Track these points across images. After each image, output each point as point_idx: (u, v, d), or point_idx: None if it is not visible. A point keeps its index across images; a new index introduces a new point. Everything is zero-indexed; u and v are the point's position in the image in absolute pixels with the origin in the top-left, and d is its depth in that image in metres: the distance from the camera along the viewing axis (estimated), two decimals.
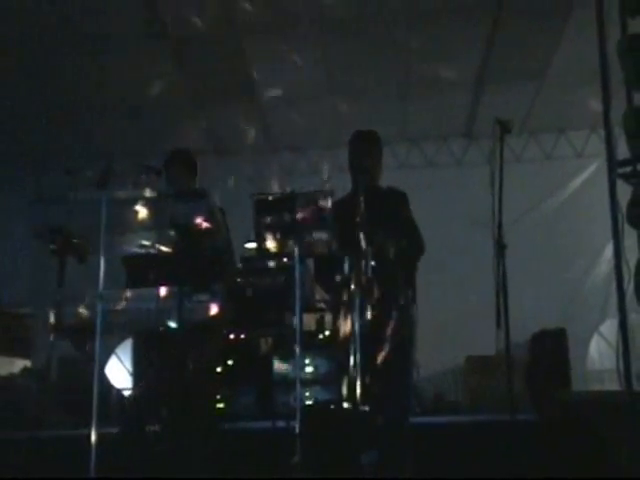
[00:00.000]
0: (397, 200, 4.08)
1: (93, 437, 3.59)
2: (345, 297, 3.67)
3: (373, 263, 3.68)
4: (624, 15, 3.74)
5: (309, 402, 4.62)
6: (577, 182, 7.65)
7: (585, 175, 7.61)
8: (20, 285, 6.64)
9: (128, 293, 4.04)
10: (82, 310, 4.13)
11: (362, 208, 3.72)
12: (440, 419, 4.64)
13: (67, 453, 3.95)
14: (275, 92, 6.88)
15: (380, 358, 3.62)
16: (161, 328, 4.16)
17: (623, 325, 2.99)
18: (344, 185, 4.22)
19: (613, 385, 5.66)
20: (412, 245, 3.97)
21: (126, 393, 5.57)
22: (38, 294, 4.35)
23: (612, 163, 3.38)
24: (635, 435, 2.86)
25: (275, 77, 6.75)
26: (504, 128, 3.87)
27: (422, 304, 4.57)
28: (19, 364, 5.65)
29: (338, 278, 3.78)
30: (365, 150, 4.08)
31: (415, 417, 4.23)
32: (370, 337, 3.54)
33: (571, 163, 7.67)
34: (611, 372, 6.45)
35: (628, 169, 3.45)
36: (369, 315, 3.60)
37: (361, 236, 3.68)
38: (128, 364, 5.83)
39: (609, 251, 7.00)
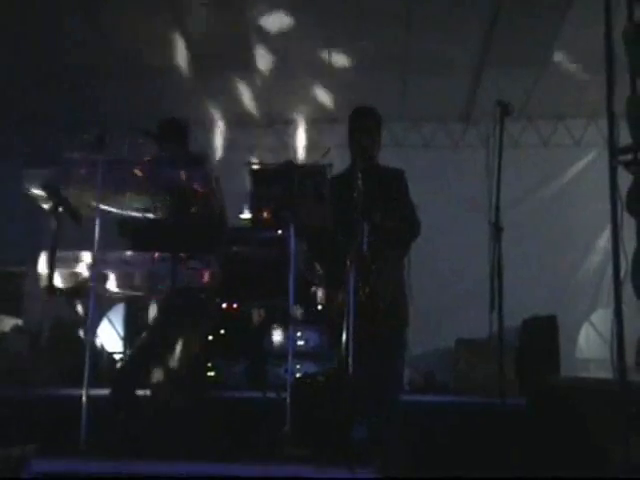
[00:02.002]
0: (394, 178, 4.08)
1: (84, 399, 3.60)
2: (339, 273, 3.67)
3: (368, 239, 3.69)
4: (631, 1, 3.72)
5: (299, 374, 4.65)
6: (574, 170, 7.65)
7: (582, 164, 7.62)
8: (13, 244, 6.60)
9: (122, 257, 4.03)
10: (76, 271, 4.12)
11: (359, 185, 3.72)
12: (429, 398, 4.69)
13: (58, 413, 3.95)
14: (274, 65, 6.82)
15: (373, 335, 3.65)
16: (154, 293, 4.18)
17: (618, 313, 3.02)
18: (342, 160, 4.22)
19: (600, 374, 5.74)
20: (408, 224, 3.97)
21: (117, 356, 5.60)
22: (32, 254, 4.32)
23: (613, 149, 3.38)
24: (624, 423, 2.90)
25: (275, 52, 6.69)
26: (505, 110, 3.87)
27: (416, 285, 4.60)
28: (9, 322, 5.63)
29: (333, 253, 3.78)
30: (364, 127, 4.06)
31: (405, 395, 4.27)
32: (363, 314, 3.56)
33: (569, 151, 7.67)
34: (599, 361, 6.57)
35: (628, 157, 3.45)
36: (362, 293, 3.61)
37: (357, 213, 3.68)
38: (119, 328, 5.85)
39: (602, 241, 7.11)
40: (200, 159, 4.62)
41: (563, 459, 3.17)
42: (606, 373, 3.33)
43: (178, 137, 4.52)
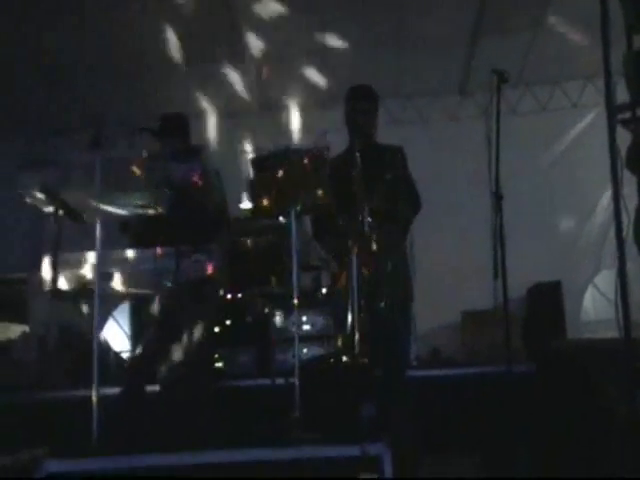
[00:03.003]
0: (394, 156, 4.04)
1: (94, 398, 3.61)
2: (342, 254, 3.66)
3: (370, 219, 3.67)
4: None
5: (307, 358, 4.65)
6: (573, 133, 7.58)
7: (581, 126, 7.53)
8: (14, 250, 6.62)
9: (126, 255, 4.03)
10: (80, 273, 4.13)
11: (358, 164, 3.70)
12: (437, 372, 4.67)
13: (69, 415, 3.97)
14: (266, 49, 6.78)
15: (378, 313, 3.63)
16: (159, 289, 4.18)
17: (622, 272, 2.98)
18: (340, 142, 4.18)
19: (606, 335, 5.71)
20: (409, 201, 3.95)
21: (124, 355, 5.62)
22: (34, 258, 4.33)
23: (611, 108, 3.32)
24: (629, 381, 2.87)
25: (266, 35, 6.65)
26: (501, 78, 3.83)
27: (419, 260, 4.59)
28: (17, 330, 5.65)
29: (335, 235, 3.77)
30: (361, 107, 4.03)
31: (412, 371, 4.26)
32: (368, 293, 3.54)
33: (567, 114, 7.59)
34: (605, 322, 6.53)
35: (627, 115, 3.39)
36: (366, 271, 3.60)
37: (357, 193, 3.66)
38: (126, 327, 5.87)
39: (604, 202, 7.07)
40: (198, 152, 4.61)
41: (571, 420, 3.15)
42: (612, 333, 3.29)
43: (180, 132, 4.51)
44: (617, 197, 3.16)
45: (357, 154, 3.71)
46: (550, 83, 7.64)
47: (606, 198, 6.71)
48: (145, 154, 4.42)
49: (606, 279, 6.86)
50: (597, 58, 3.71)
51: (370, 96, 4.10)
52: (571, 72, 7.43)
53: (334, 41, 6.80)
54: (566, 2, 6.25)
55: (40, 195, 4.04)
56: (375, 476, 2.76)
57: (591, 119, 7.33)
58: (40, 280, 4.40)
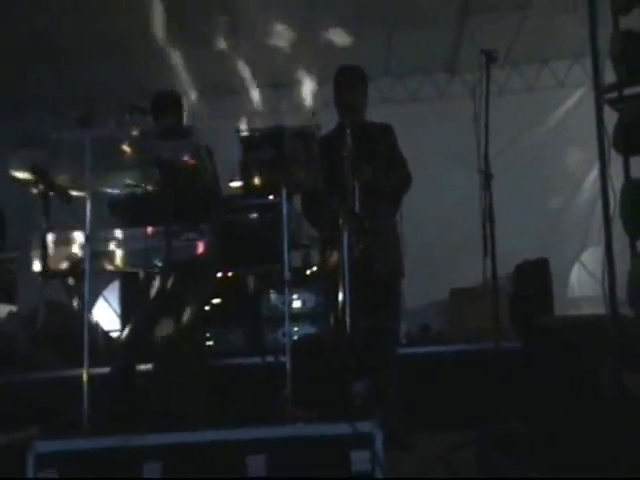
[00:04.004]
0: (383, 133, 4.06)
1: (84, 378, 3.62)
2: (332, 232, 3.68)
3: (359, 197, 3.69)
4: None
5: (297, 337, 4.68)
6: (560, 112, 7.62)
7: (568, 105, 7.59)
8: (2, 229, 6.57)
9: (116, 234, 4.02)
10: (69, 252, 4.12)
11: (348, 143, 3.71)
12: (426, 349, 4.72)
13: (59, 395, 3.98)
14: (257, 27, 6.74)
15: (369, 292, 3.66)
16: (150, 268, 4.18)
17: (609, 249, 3.03)
18: (330, 120, 4.18)
19: (592, 311, 5.78)
20: (399, 178, 3.97)
21: (114, 334, 5.63)
22: (22, 238, 4.31)
23: (599, 87, 3.35)
24: (616, 357, 2.93)
25: (258, 12, 6.60)
26: (489, 57, 3.86)
27: (407, 237, 4.61)
28: (4, 309, 5.62)
29: (325, 213, 3.79)
30: (350, 86, 4.04)
31: (402, 348, 4.30)
32: (358, 271, 3.57)
33: (554, 93, 7.63)
34: (591, 299, 6.62)
35: (614, 95, 3.42)
36: (357, 250, 3.62)
37: (347, 171, 3.68)
38: (116, 306, 5.87)
39: (590, 180, 7.14)
40: (190, 130, 4.58)
41: (558, 395, 3.21)
42: (598, 310, 3.35)
43: (172, 109, 4.48)
44: (604, 176, 3.20)
45: (347, 133, 3.71)
46: (537, 62, 7.66)
47: (592, 176, 6.80)
48: (135, 132, 4.40)
49: (592, 256, 6.96)
50: (583, 38, 3.74)
51: (358, 75, 4.10)
52: (558, 52, 7.46)
53: (324, 19, 6.76)
54: None
55: (30, 175, 4.02)
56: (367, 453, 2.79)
57: (578, 98, 7.39)
58: (29, 259, 4.39)
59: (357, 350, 3.47)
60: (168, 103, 4.47)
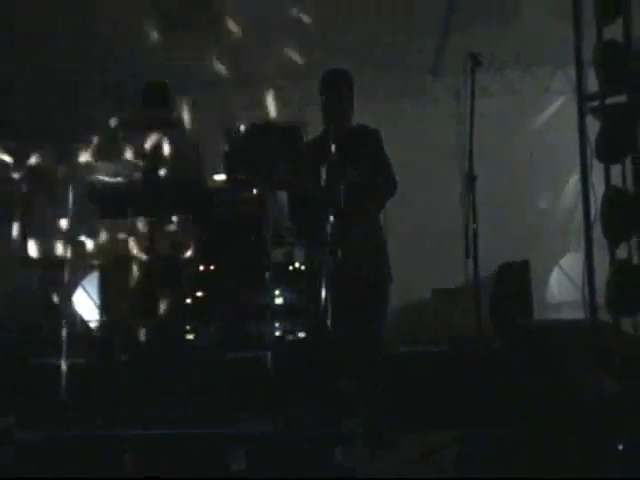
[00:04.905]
0: (370, 138, 4.04)
1: (63, 367, 3.62)
2: (318, 232, 3.68)
3: (345, 199, 3.70)
4: None
5: (278, 333, 4.69)
6: (542, 117, 7.71)
7: (550, 111, 7.68)
8: None
9: (98, 224, 4.02)
10: (50, 240, 4.10)
11: (333, 148, 3.70)
12: (408, 349, 4.76)
13: (37, 384, 3.96)
14: (243, 21, 6.73)
15: (355, 293, 3.68)
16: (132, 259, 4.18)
17: (589, 256, 3.09)
18: (316, 116, 4.18)
19: (571, 317, 5.87)
20: (385, 183, 3.96)
21: (93, 324, 5.60)
22: (2, 226, 4.28)
23: (582, 96, 3.41)
24: (594, 360, 2.99)
25: (243, 6, 6.59)
26: (475, 61, 3.90)
27: (389, 237, 4.64)
28: None
29: (311, 213, 3.78)
30: (338, 93, 3.98)
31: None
32: (344, 272, 3.58)
33: (537, 99, 7.72)
34: (569, 304, 6.72)
35: (596, 103, 3.48)
36: (342, 252, 3.62)
37: (332, 174, 3.68)
38: (95, 296, 5.84)
39: (571, 186, 7.24)
40: (174, 121, 4.57)
41: (536, 397, 3.26)
42: (576, 314, 3.41)
43: (161, 101, 4.45)
44: (586, 184, 3.25)
45: (332, 138, 3.70)
46: (521, 68, 7.74)
47: (573, 182, 6.90)
48: (117, 121, 4.39)
49: (572, 261, 7.06)
50: (567, 46, 3.79)
51: (344, 80, 4.04)
52: (541, 58, 7.53)
53: (309, 17, 6.77)
54: None
55: (10, 159, 3.99)
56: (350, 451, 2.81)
57: (560, 105, 7.48)
58: (9, 246, 4.36)
59: (340, 349, 3.49)
60: (155, 94, 4.45)
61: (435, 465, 3.06)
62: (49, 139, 4.19)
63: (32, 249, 3.99)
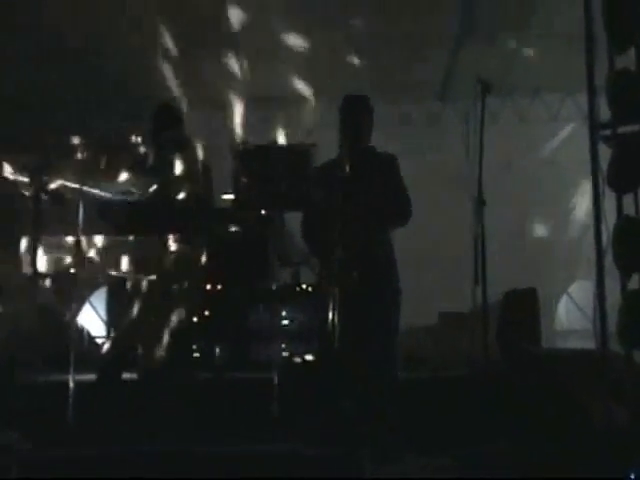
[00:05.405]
0: (386, 163, 4.05)
1: (70, 384, 3.61)
2: (329, 253, 3.68)
3: (357, 221, 3.71)
4: None
5: (286, 354, 4.68)
6: (551, 145, 7.72)
7: (559, 138, 7.69)
8: None
9: (106, 241, 4.03)
10: (59, 256, 4.11)
11: (349, 172, 3.71)
12: (413, 374, 4.73)
13: (44, 400, 3.94)
14: (253, 43, 6.79)
15: (367, 314, 3.67)
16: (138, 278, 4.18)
17: (600, 286, 3.08)
18: (327, 138, 4.20)
19: (579, 346, 5.84)
20: (399, 207, 3.97)
21: (100, 341, 5.59)
22: (11, 240, 4.29)
23: (594, 125, 3.42)
24: (605, 392, 2.97)
25: (253, 25, 6.65)
26: (485, 87, 3.92)
27: (398, 261, 4.64)
28: None
29: (323, 234, 3.79)
30: (356, 117, 4.01)
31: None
32: (355, 293, 3.57)
33: (546, 125, 7.74)
34: (578, 332, 6.69)
35: (607, 132, 3.48)
36: (354, 274, 3.62)
37: (346, 198, 3.69)
38: (102, 312, 5.84)
39: (580, 213, 7.24)
40: (183, 142, 4.59)
41: (546, 427, 3.24)
42: (586, 344, 3.39)
43: (172, 122, 4.48)
44: (598, 213, 3.25)
45: (347, 163, 3.72)
46: (530, 94, 7.77)
47: (582, 208, 6.89)
48: (131, 141, 4.42)
49: (580, 289, 7.03)
50: (576, 73, 3.81)
51: (364, 107, 4.07)
52: (551, 85, 7.56)
53: (318, 41, 6.83)
54: (549, 17, 6.35)
55: (23, 178, 4.02)
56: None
57: (569, 132, 7.49)
58: (18, 261, 4.37)
59: (349, 370, 3.48)
60: (167, 116, 4.47)
61: None
62: (60, 155, 4.21)
63: (42, 264, 3.99)
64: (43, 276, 4.45)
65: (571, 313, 7.12)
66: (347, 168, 3.63)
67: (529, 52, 6.92)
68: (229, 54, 6.91)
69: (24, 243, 4.29)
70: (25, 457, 3.17)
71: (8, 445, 3.31)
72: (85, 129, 4.26)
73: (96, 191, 4.25)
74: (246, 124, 7.50)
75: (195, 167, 4.30)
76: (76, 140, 4.09)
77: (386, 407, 3.54)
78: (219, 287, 4.76)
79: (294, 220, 4.49)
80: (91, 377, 4.05)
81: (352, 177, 3.66)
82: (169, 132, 4.33)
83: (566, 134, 7.62)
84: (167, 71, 6.91)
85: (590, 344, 3.30)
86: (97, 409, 3.78)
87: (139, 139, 4.34)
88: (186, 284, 4.31)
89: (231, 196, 5.23)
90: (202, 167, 4.37)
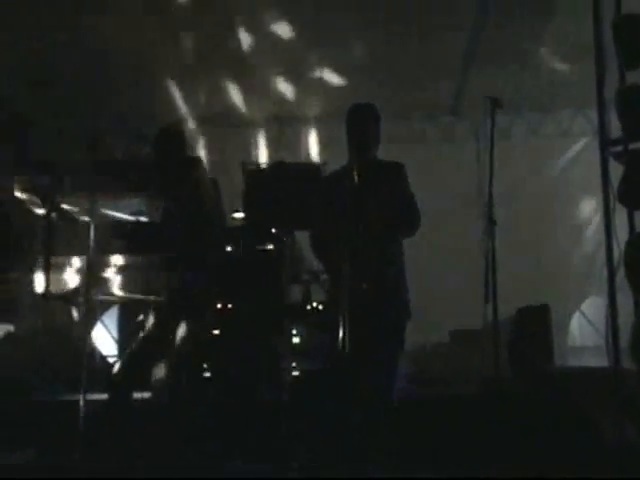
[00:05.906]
0: (393, 172, 4.04)
1: (81, 403, 3.61)
2: (339, 269, 3.66)
3: (366, 235, 3.69)
4: None
5: (296, 372, 4.65)
6: (562, 161, 7.70)
7: (570, 154, 7.67)
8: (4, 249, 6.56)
9: (118, 260, 4.04)
10: (71, 276, 4.12)
11: (355, 183, 3.70)
12: (424, 392, 4.70)
13: (55, 420, 3.94)
14: (264, 62, 6.84)
15: (375, 330, 3.66)
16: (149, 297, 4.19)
17: (612, 303, 3.05)
18: (337, 155, 4.20)
19: (592, 362, 5.78)
20: (407, 217, 3.94)
21: (111, 360, 5.60)
22: (24, 259, 4.32)
23: (604, 141, 3.41)
24: (618, 409, 2.94)
25: (264, 47, 6.70)
26: (495, 104, 3.91)
27: (408, 278, 4.62)
28: (1, 329, 5.58)
29: (332, 250, 3.77)
30: (361, 125, 4.00)
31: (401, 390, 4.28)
32: (364, 310, 3.56)
33: (557, 141, 7.73)
34: (590, 349, 6.62)
35: (619, 148, 3.47)
36: (363, 288, 3.60)
37: (354, 210, 3.67)
38: (114, 332, 5.85)
39: (592, 229, 7.19)
40: (192, 162, 4.62)
41: (560, 445, 3.21)
42: (599, 361, 3.35)
43: (176, 142, 4.50)
44: (609, 229, 3.24)
45: (355, 173, 3.70)
46: (541, 110, 7.76)
47: (594, 225, 6.85)
48: (141, 161, 4.45)
49: (593, 306, 6.97)
50: (588, 88, 3.80)
51: (370, 114, 4.06)
52: (562, 101, 7.55)
53: (332, 59, 6.87)
54: (560, 35, 6.36)
55: (35, 198, 4.05)
56: None
57: (581, 147, 7.48)
58: (30, 281, 4.39)
59: (358, 388, 3.46)
60: (171, 136, 4.49)
61: None
62: (72, 175, 4.24)
63: (54, 284, 4.01)
64: (56, 296, 4.47)
65: (584, 329, 7.05)
66: (355, 177, 3.61)
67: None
68: (240, 74, 6.97)
69: (37, 263, 4.30)
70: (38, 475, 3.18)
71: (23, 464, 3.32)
72: (98, 148, 4.27)
73: (108, 211, 4.27)
74: (257, 143, 7.56)
75: (205, 186, 4.31)
76: (89, 160, 4.13)
77: (384, 424, 3.50)
78: (230, 306, 4.75)
79: (304, 238, 4.49)
80: (102, 396, 4.05)
81: (359, 186, 3.64)
82: (177, 152, 4.35)
83: (577, 149, 7.60)
84: (177, 91, 6.98)
85: (603, 361, 3.27)
86: (108, 428, 3.78)
87: (150, 159, 4.37)
88: (197, 303, 4.31)
89: (241, 214, 5.26)
90: (212, 186, 4.38)
